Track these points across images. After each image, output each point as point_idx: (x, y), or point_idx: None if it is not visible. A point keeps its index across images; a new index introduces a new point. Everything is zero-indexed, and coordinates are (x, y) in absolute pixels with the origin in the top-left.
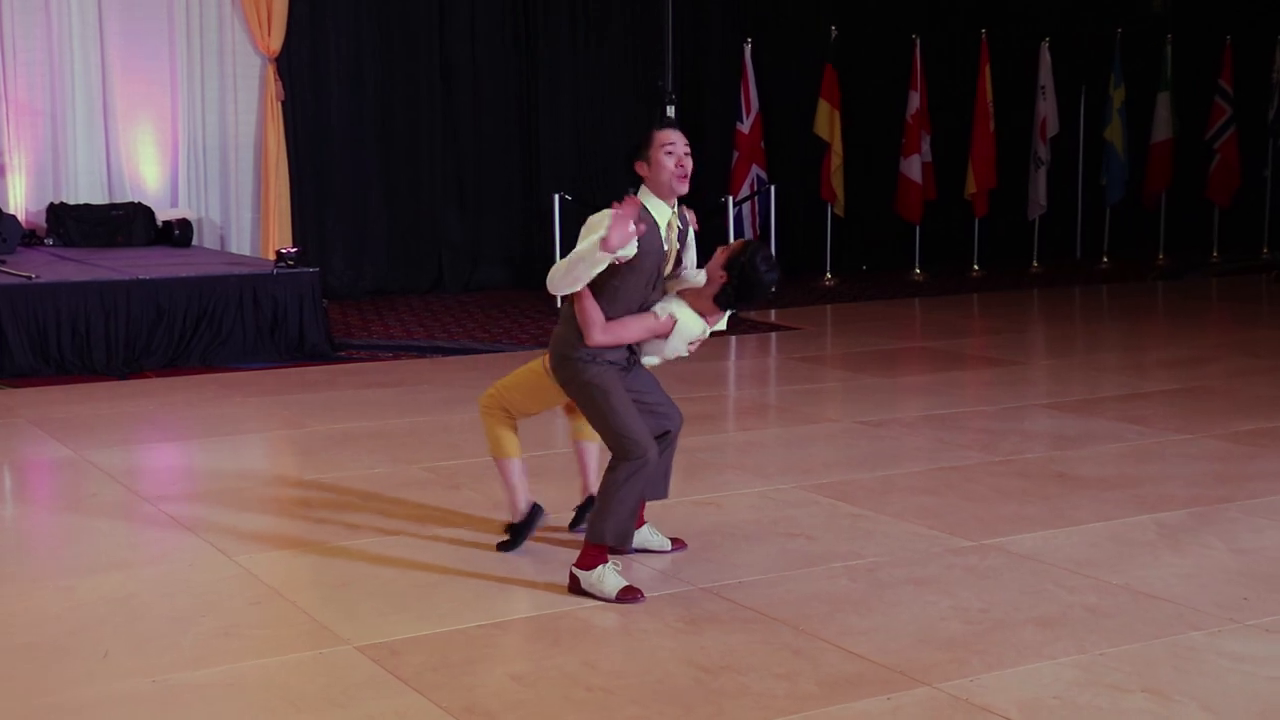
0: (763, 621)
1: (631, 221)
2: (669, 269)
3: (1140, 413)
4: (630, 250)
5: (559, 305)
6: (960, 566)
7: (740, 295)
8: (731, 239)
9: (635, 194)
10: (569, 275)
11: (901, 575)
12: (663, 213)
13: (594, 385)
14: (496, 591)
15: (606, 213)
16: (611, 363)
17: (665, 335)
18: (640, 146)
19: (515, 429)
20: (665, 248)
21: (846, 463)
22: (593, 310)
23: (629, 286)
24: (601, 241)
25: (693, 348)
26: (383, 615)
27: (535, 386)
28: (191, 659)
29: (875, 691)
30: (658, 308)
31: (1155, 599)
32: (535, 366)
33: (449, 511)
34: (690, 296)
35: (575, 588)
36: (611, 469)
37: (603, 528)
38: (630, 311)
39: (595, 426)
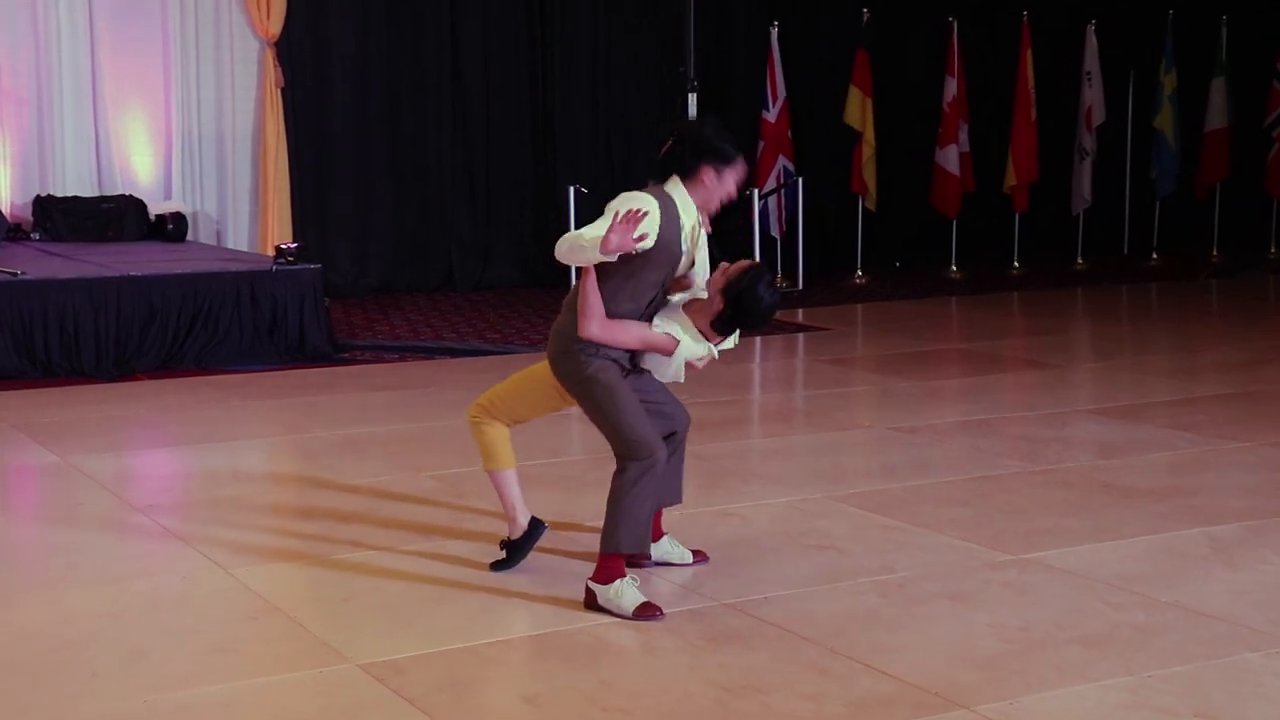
0: (788, 639)
1: (634, 233)
2: (682, 269)
3: (1191, 419)
4: (647, 242)
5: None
6: (998, 582)
7: (736, 323)
8: (756, 234)
9: (659, 184)
10: (570, 254)
11: (936, 590)
12: (690, 214)
13: (597, 381)
14: (507, 607)
15: (634, 195)
16: (614, 360)
17: (666, 352)
18: (717, 156)
19: (508, 438)
20: (685, 247)
21: (878, 471)
22: (595, 301)
23: (640, 282)
24: (602, 241)
25: (701, 364)
26: (387, 632)
27: (530, 391)
28: (185, 678)
29: (907, 714)
30: (660, 324)
31: (1208, 617)
32: (531, 372)
33: (456, 522)
34: (693, 314)
35: (591, 603)
36: (620, 472)
37: (616, 537)
38: (637, 308)
39: (599, 425)
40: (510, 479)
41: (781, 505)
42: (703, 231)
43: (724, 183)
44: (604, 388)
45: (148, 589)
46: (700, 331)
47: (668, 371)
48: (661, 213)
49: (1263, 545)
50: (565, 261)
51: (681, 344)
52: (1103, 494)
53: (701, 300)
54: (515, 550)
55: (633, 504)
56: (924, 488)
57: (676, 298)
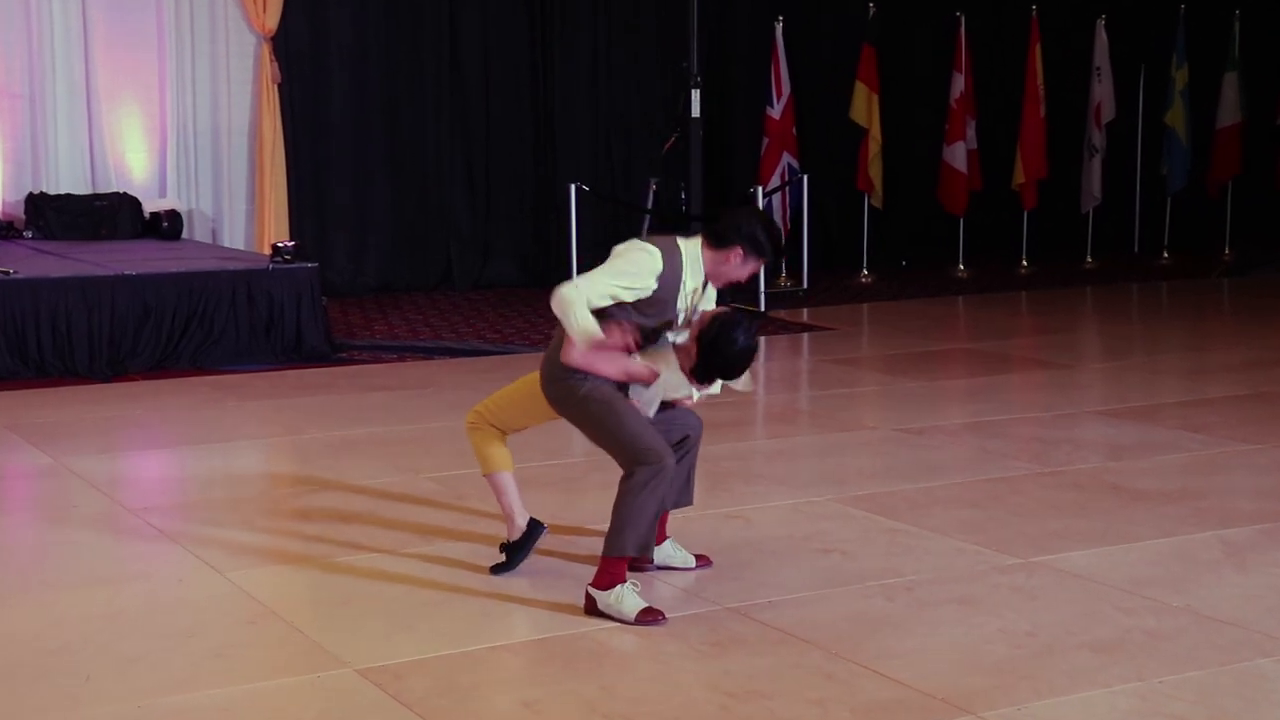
0: (793, 644)
1: (625, 344)
2: (677, 325)
3: (1203, 420)
4: (649, 294)
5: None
6: (1007, 586)
7: (711, 369)
8: None
9: (679, 237)
10: (561, 313)
11: (943, 595)
12: (696, 277)
13: (591, 399)
14: (506, 611)
15: (643, 247)
16: (602, 381)
17: (645, 383)
18: (755, 246)
19: (504, 443)
20: (679, 310)
21: (884, 473)
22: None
23: (631, 321)
24: (592, 337)
25: (691, 402)
26: (385, 636)
27: (528, 400)
28: (180, 682)
29: None
30: (650, 356)
31: (1220, 622)
32: (527, 381)
33: (456, 525)
34: (681, 355)
35: (592, 609)
36: (628, 476)
37: (622, 539)
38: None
39: (602, 443)
40: (507, 481)
41: (786, 508)
42: (710, 291)
43: (744, 267)
44: (600, 403)
45: (143, 592)
46: (684, 372)
47: (644, 398)
48: (664, 267)
49: (1276, 549)
50: (556, 313)
51: (661, 378)
52: (1113, 496)
53: (689, 346)
54: (514, 552)
55: (641, 507)
56: (931, 490)
57: (672, 336)
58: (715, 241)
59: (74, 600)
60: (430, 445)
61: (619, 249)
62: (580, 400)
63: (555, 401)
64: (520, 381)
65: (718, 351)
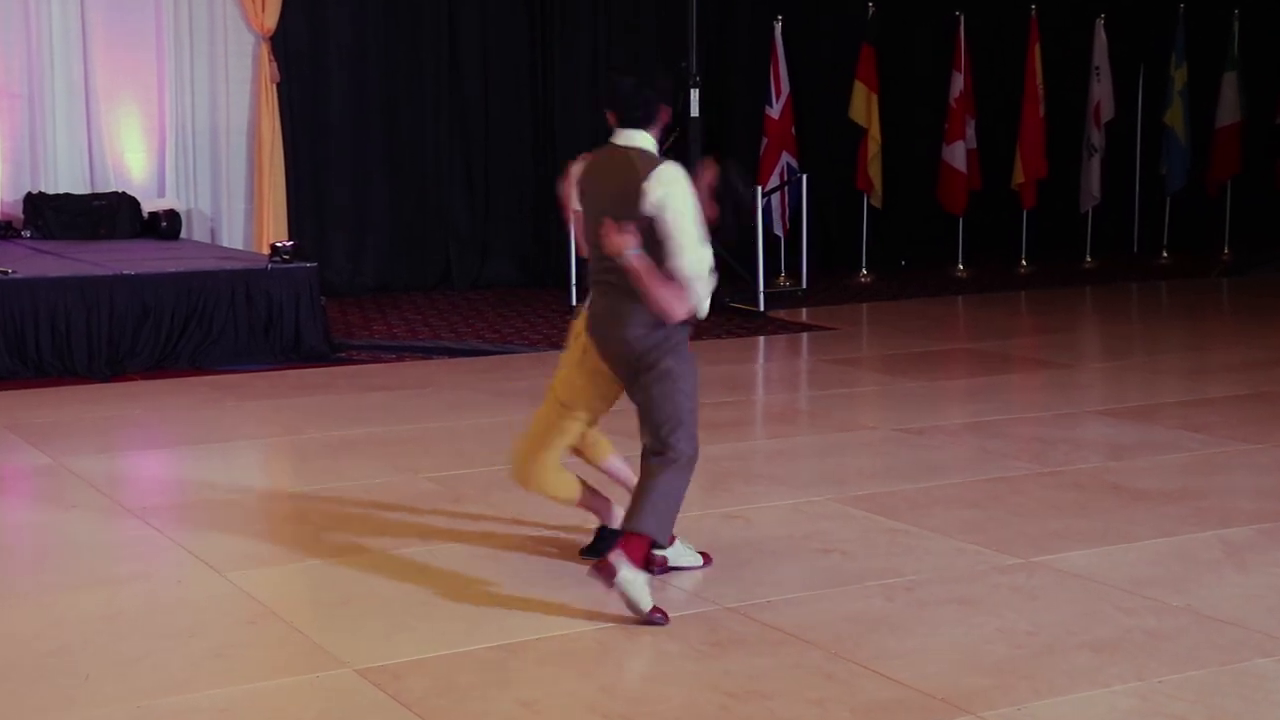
0: (793, 644)
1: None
2: None
3: (1204, 420)
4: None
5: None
6: (1007, 586)
7: (735, 221)
8: (760, 233)
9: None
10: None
11: (943, 595)
12: None
13: (683, 356)
14: (506, 611)
15: (681, 174)
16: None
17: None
18: (659, 96)
19: (559, 467)
20: None
21: (884, 473)
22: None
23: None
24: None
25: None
26: (385, 636)
27: (556, 430)
28: (179, 683)
29: None
30: None
31: (1220, 622)
32: (548, 409)
33: (455, 525)
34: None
35: (608, 573)
36: (668, 461)
37: (645, 517)
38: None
39: (660, 404)
40: (589, 495)
41: (786, 508)
42: None
43: (668, 113)
44: (688, 367)
45: (142, 593)
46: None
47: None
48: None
49: (1276, 548)
50: (701, 291)
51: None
52: (1113, 496)
53: None
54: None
55: (668, 489)
56: (931, 490)
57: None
58: (648, 120)
59: (73, 600)
60: (429, 445)
61: (668, 193)
62: (674, 348)
63: (651, 360)
64: (538, 417)
65: (733, 201)
